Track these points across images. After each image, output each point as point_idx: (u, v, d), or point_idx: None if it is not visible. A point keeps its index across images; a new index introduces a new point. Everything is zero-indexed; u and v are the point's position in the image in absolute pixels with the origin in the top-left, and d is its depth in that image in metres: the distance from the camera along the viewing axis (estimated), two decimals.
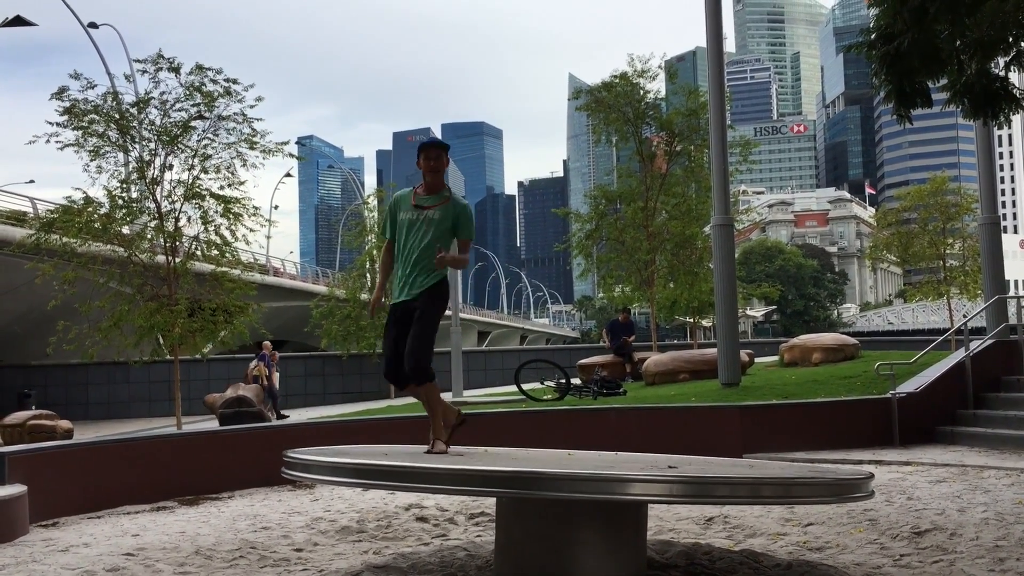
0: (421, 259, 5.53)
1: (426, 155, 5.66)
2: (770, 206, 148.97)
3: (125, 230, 18.07)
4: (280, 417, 21.18)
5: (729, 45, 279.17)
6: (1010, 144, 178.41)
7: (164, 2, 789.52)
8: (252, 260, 28.50)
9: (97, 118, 17.33)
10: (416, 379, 5.52)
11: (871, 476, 5.03)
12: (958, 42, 7.21)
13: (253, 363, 22.53)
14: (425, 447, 5.69)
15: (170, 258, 17.55)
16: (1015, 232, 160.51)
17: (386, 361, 5.63)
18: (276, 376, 22.96)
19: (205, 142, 17.79)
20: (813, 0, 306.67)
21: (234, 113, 17.83)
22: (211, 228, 17.64)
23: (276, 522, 7.31)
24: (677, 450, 7.90)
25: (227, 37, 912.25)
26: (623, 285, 26.44)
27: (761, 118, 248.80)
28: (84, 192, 17.39)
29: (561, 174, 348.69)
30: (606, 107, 25.00)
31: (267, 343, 23.28)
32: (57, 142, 17.29)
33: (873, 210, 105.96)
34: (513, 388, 17.79)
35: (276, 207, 57.39)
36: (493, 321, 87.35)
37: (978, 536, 5.83)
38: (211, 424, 17.23)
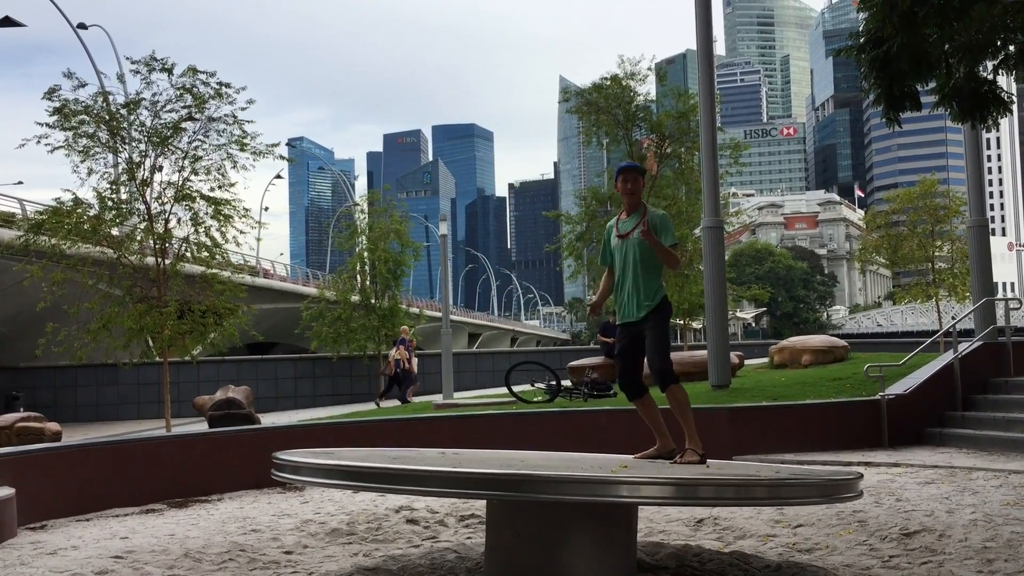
0: (635, 283, 5.75)
1: (624, 178, 5.86)
2: (760, 208, 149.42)
3: (114, 231, 18.00)
4: (405, 402, 21.29)
5: (719, 48, 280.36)
6: (998, 147, 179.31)
7: (155, 3, 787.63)
8: (242, 262, 28.46)
9: (87, 119, 17.28)
10: (661, 384, 5.69)
11: (860, 477, 5.05)
12: (947, 46, 7.25)
13: (394, 349, 22.72)
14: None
15: (160, 260, 17.50)
16: (1003, 235, 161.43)
17: (619, 375, 5.95)
18: (415, 361, 23.20)
19: (195, 144, 17.75)
20: (803, 3, 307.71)
21: (225, 115, 17.81)
22: (201, 230, 17.59)
23: (266, 524, 7.29)
24: None
25: (218, 38, 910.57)
26: None
27: (751, 121, 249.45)
28: (73, 193, 17.33)
29: (551, 176, 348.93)
30: (596, 109, 25.04)
31: (405, 328, 23.70)
32: (46, 144, 17.23)
33: (862, 212, 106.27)
34: (503, 390, 17.78)
35: (266, 209, 57.25)
36: (483, 323, 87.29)
37: (966, 537, 5.86)
38: (200, 426, 17.17)
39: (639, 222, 5.75)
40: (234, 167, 17.89)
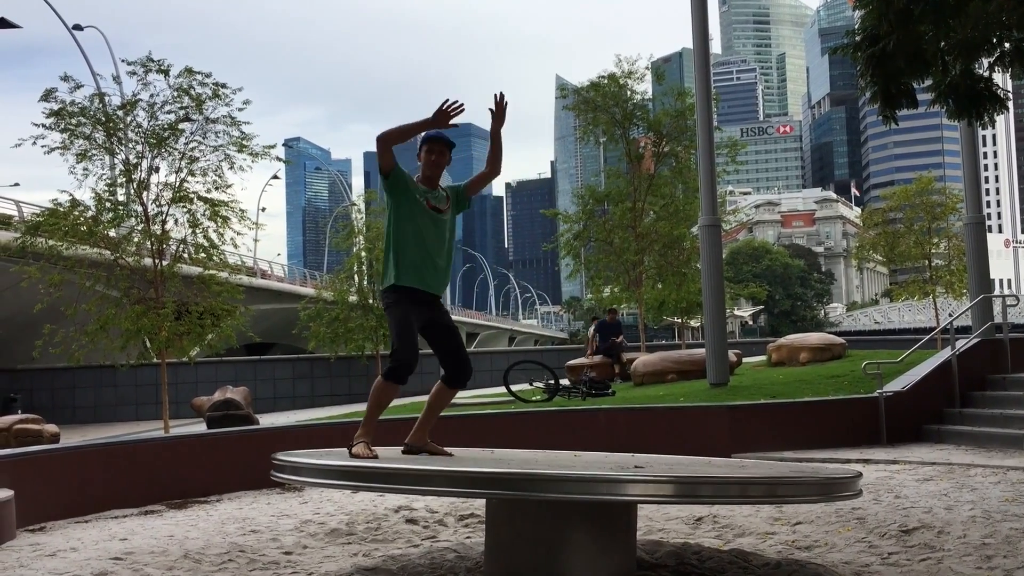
0: (447, 264, 5.33)
1: (432, 148, 5.31)
2: (757, 206, 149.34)
3: (112, 233, 17.99)
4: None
5: (715, 46, 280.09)
6: (994, 144, 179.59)
7: (150, 4, 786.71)
8: (239, 263, 28.45)
9: (84, 120, 17.27)
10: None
11: (859, 475, 5.05)
12: (943, 43, 7.26)
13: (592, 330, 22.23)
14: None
15: (157, 261, 17.49)
16: (1000, 231, 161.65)
17: (415, 356, 5.10)
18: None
19: (192, 145, 17.75)
20: (798, 1, 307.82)
21: (222, 116, 17.81)
22: (198, 231, 17.59)
23: (265, 525, 7.28)
24: (666, 450, 7.92)
25: (215, 40, 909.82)
26: (611, 286, 26.50)
27: (747, 119, 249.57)
28: (70, 195, 17.32)
29: (548, 175, 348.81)
30: (593, 107, 25.05)
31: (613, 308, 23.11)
32: (43, 145, 17.22)
33: (859, 210, 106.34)
34: (502, 389, 17.78)
35: (263, 209, 57.22)
36: (481, 322, 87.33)
37: (965, 534, 5.86)
38: (199, 427, 17.16)
39: (447, 200, 5.32)
40: (231, 168, 17.91)
